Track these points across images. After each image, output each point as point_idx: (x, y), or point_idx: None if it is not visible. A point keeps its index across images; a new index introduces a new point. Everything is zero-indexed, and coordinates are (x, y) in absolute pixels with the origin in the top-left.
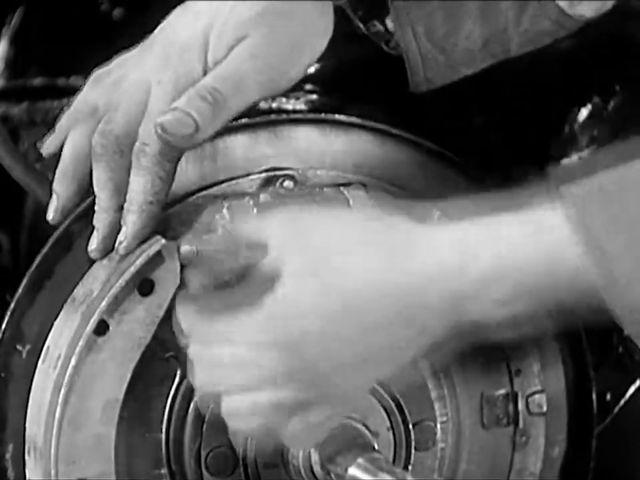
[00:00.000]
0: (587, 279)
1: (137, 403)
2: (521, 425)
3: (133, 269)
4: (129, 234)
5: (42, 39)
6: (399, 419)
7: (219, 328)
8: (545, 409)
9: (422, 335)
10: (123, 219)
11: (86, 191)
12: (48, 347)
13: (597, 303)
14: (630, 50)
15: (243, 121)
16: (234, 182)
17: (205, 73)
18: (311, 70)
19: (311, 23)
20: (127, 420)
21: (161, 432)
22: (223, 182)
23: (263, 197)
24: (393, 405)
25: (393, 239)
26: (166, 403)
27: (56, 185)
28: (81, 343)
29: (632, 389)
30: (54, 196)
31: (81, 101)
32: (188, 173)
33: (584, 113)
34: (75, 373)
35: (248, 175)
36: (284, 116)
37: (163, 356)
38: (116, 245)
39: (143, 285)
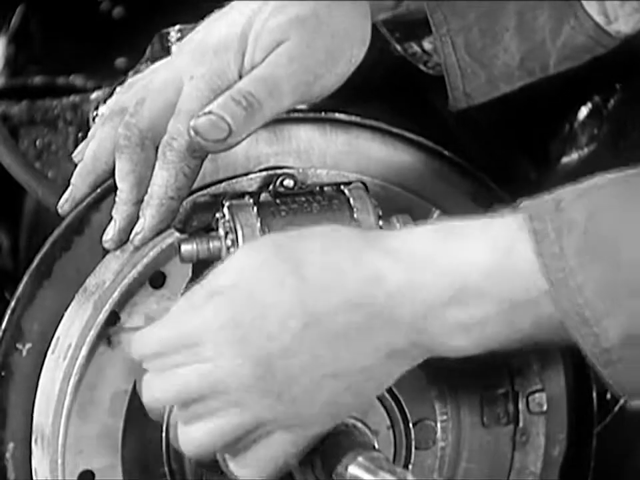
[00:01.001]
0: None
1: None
2: (521, 424)
3: (145, 261)
4: (146, 226)
5: (42, 38)
6: (400, 417)
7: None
8: (545, 408)
9: (385, 352)
10: (142, 211)
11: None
12: (58, 338)
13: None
14: (631, 49)
15: None
16: (234, 181)
17: (239, 74)
18: None
19: (350, 31)
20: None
21: (161, 430)
22: (222, 181)
23: (263, 195)
24: (393, 403)
25: (358, 252)
26: None
27: (74, 177)
28: (91, 334)
29: None
30: (70, 187)
31: (112, 104)
32: None
33: (584, 111)
34: (85, 363)
35: (248, 173)
36: (284, 115)
37: None
38: (132, 236)
39: (155, 278)
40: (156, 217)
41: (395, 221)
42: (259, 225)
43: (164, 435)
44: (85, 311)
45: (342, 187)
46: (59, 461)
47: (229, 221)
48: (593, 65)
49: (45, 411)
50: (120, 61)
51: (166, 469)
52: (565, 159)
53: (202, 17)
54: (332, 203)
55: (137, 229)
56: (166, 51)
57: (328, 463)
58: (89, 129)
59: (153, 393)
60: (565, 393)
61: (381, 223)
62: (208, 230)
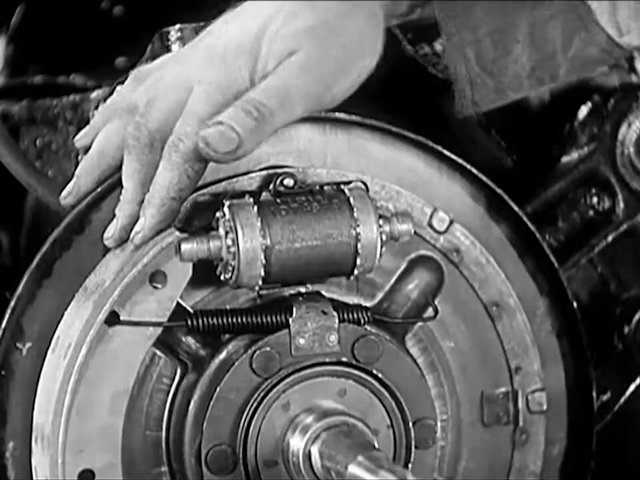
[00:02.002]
0: None
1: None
2: (521, 423)
3: (145, 260)
4: (147, 226)
5: (42, 37)
6: (399, 417)
7: None
8: (545, 407)
9: None
10: (142, 210)
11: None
12: (58, 337)
13: None
14: None
15: None
16: (234, 180)
17: (250, 80)
18: None
19: (363, 41)
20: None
21: (161, 430)
22: (223, 180)
23: (263, 195)
24: (393, 403)
25: None
26: (166, 401)
27: (79, 171)
28: (91, 333)
29: (632, 387)
30: (74, 182)
31: (119, 98)
32: None
33: (584, 110)
34: (85, 362)
35: (248, 172)
36: None
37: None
38: (132, 234)
39: (155, 277)
40: (156, 216)
41: (396, 220)
42: (259, 224)
43: (164, 433)
44: (85, 310)
45: (342, 186)
46: (59, 460)
47: (229, 220)
48: None
49: (45, 410)
50: (120, 60)
51: (166, 468)
52: (564, 158)
53: (202, 17)
54: (332, 202)
55: (137, 227)
56: (166, 50)
57: (328, 461)
58: None
59: None
60: (565, 392)
61: (380, 222)
62: (208, 229)
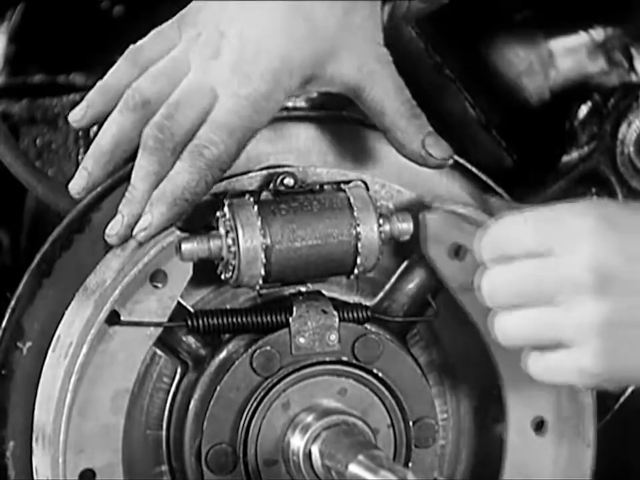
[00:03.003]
0: None
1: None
2: None
3: (146, 260)
4: (154, 224)
5: (42, 36)
6: (400, 416)
7: None
8: None
9: None
10: (150, 207)
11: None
12: (59, 336)
13: None
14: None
15: None
16: (234, 179)
17: (286, 96)
18: None
19: None
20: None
21: (162, 429)
22: (223, 179)
23: (263, 194)
24: (393, 402)
25: None
26: (166, 400)
27: (91, 164)
28: (92, 332)
29: (632, 387)
30: (84, 173)
31: (115, 80)
32: None
33: (584, 110)
34: (86, 361)
35: (248, 172)
36: (284, 113)
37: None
38: (136, 231)
39: (156, 276)
40: (165, 215)
41: (396, 219)
42: (259, 223)
43: (164, 432)
44: (85, 310)
45: (342, 185)
46: (60, 460)
47: (229, 220)
48: None
49: (45, 409)
50: None
51: (166, 467)
52: (565, 158)
53: None
54: (332, 201)
55: (142, 224)
56: None
57: (328, 460)
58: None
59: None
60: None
61: (381, 221)
62: (208, 228)
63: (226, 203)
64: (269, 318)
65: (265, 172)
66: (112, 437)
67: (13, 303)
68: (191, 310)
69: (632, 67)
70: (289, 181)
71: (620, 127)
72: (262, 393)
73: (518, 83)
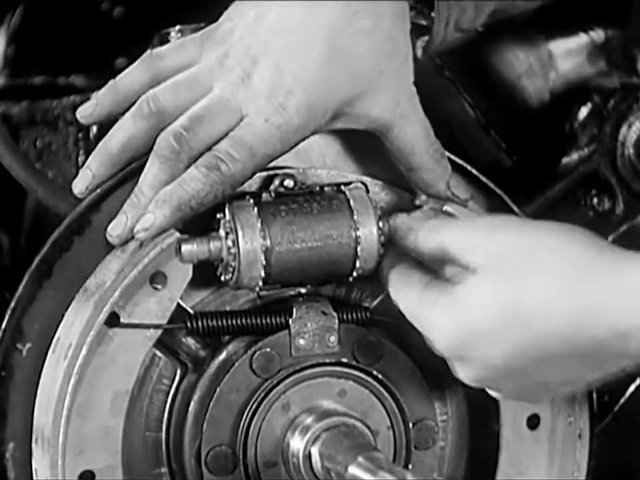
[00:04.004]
0: None
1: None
2: None
3: (145, 261)
4: (155, 225)
5: (42, 38)
6: (399, 417)
7: None
8: None
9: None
10: (154, 208)
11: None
12: (58, 338)
13: None
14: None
15: None
16: None
17: (313, 133)
18: None
19: None
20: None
21: (161, 431)
22: None
23: (263, 196)
24: (393, 403)
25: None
26: (166, 402)
27: (97, 165)
28: (91, 334)
29: (632, 388)
30: (88, 173)
31: (129, 83)
32: None
33: (584, 111)
34: (85, 363)
35: None
36: None
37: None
38: (137, 229)
39: (155, 278)
40: (169, 218)
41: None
42: (259, 225)
43: (164, 434)
44: (85, 311)
45: (342, 187)
46: (59, 461)
47: (229, 221)
48: None
49: (45, 411)
50: (120, 61)
51: (166, 469)
52: (565, 160)
53: (202, 18)
54: (332, 203)
55: (144, 224)
56: None
57: (328, 462)
58: (89, 129)
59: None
60: None
61: (380, 223)
62: (208, 230)
63: (226, 204)
64: (268, 320)
65: (264, 173)
66: (111, 438)
67: (12, 304)
68: (191, 312)
69: (632, 69)
70: (288, 183)
71: (620, 129)
72: (262, 395)
73: (518, 84)
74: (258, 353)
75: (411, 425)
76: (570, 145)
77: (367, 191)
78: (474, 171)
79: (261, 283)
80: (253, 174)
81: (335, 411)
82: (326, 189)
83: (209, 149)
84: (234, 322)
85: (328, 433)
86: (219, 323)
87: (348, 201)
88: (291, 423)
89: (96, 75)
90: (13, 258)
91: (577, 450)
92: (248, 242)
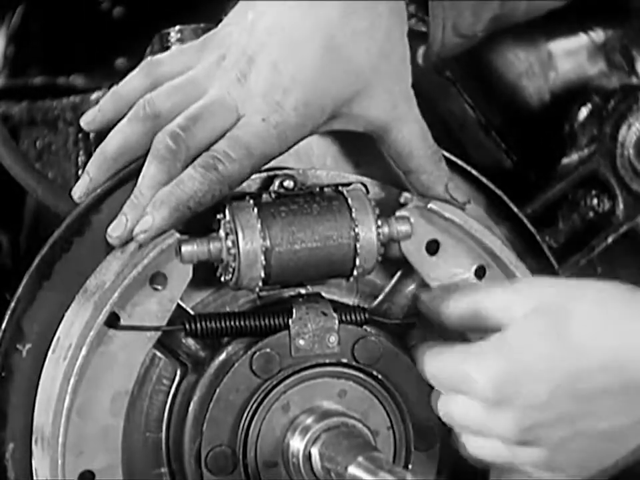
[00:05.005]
0: None
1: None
2: None
3: (145, 262)
4: (154, 226)
5: (42, 38)
6: (399, 418)
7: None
8: None
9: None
10: (152, 209)
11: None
12: (58, 338)
13: None
14: None
15: None
16: None
17: (311, 132)
18: None
19: None
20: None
21: (161, 431)
22: None
23: (263, 197)
24: (393, 404)
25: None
26: (166, 402)
27: (94, 169)
28: (91, 334)
29: None
30: (86, 178)
31: (130, 90)
32: None
33: (584, 111)
34: (85, 363)
35: None
36: None
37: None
38: (136, 231)
39: (155, 278)
40: (167, 219)
41: (394, 221)
42: (259, 225)
43: (164, 435)
44: (85, 312)
45: (341, 187)
46: (59, 462)
47: (229, 222)
48: None
49: (45, 411)
50: (120, 61)
51: (166, 469)
52: (564, 160)
53: (202, 18)
54: (331, 203)
55: (143, 226)
56: (165, 51)
57: (328, 462)
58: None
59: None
60: None
61: (379, 223)
62: (208, 231)
63: (226, 205)
64: (268, 320)
65: (264, 174)
66: (111, 438)
67: (12, 304)
68: (191, 312)
69: (632, 69)
70: (288, 184)
71: (620, 129)
72: (262, 395)
73: (518, 84)
74: (258, 353)
75: (410, 425)
76: (570, 146)
77: (367, 191)
78: (474, 172)
79: (260, 284)
80: (251, 174)
81: (335, 412)
82: (326, 189)
83: (206, 149)
84: (233, 323)
85: (328, 433)
86: (218, 324)
87: (347, 201)
88: (290, 424)
89: (96, 75)
90: (12, 258)
91: None
92: (248, 242)
